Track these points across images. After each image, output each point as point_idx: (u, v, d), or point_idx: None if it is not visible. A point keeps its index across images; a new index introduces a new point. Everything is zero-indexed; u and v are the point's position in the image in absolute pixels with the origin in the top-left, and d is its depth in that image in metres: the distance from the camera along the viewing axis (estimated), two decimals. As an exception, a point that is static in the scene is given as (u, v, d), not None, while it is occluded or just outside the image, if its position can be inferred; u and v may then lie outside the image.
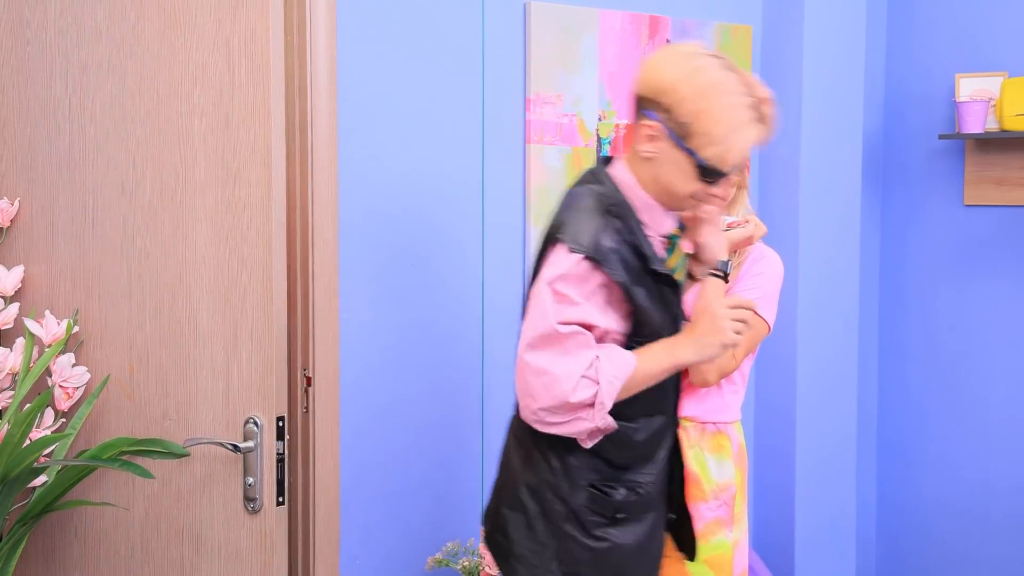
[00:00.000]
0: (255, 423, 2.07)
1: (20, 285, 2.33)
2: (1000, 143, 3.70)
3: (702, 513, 2.51)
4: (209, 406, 2.14)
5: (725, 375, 2.50)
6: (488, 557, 2.98)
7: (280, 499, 2.08)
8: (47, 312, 2.26)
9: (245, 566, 2.10)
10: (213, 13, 2.09)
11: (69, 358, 2.24)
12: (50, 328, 2.23)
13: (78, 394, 2.26)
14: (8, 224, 2.35)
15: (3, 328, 2.30)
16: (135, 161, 2.21)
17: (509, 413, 3.31)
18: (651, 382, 2.16)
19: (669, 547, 2.51)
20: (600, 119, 3.37)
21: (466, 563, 3.01)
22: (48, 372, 2.24)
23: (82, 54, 2.27)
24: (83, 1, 2.26)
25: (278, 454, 2.07)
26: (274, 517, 2.07)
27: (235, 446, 2.06)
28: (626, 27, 3.41)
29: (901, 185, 3.99)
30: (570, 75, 3.30)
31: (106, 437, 2.23)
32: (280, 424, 2.07)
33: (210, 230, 2.12)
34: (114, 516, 2.27)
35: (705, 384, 2.51)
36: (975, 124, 3.61)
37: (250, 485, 2.07)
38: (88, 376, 2.26)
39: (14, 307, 2.29)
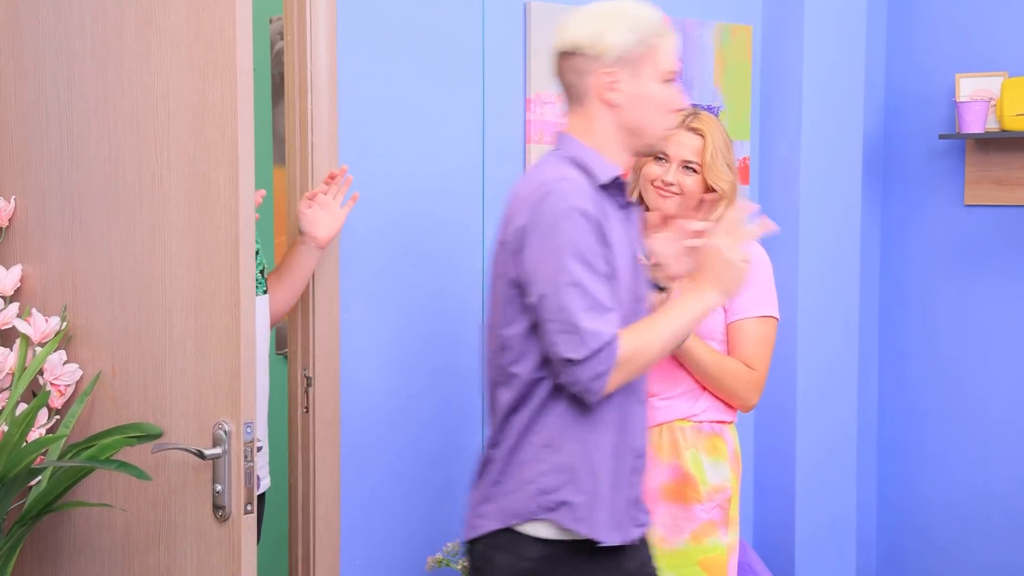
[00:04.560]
0: (224, 429, 1.98)
1: (19, 284, 2.33)
2: (1000, 143, 3.70)
3: (696, 514, 2.50)
4: (182, 411, 2.07)
5: (761, 389, 2.54)
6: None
7: (248, 507, 1.99)
8: (34, 310, 2.25)
9: (215, 575, 2.04)
10: (186, 7, 2.02)
11: (60, 356, 2.23)
12: (38, 326, 2.22)
13: (69, 391, 2.25)
14: (7, 223, 2.35)
15: (3, 328, 2.29)
16: (118, 161, 2.16)
17: (509, 413, 3.31)
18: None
19: (670, 549, 2.51)
20: (600, 119, 3.36)
21: (466, 563, 3.00)
22: (40, 371, 2.23)
23: (70, 51, 2.21)
24: None
25: (246, 461, 1.99)
26: (242, 526, 1.99)
27: (200, 452, 1.98)
28: (626, 27, 3.40)
29: (901, 185, 3.99)
30: (570, 75, 3.29)
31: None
32: (248, 430, 1.99)
33: (183, 232, 2.06)
34: (99, 520, 2.23)
35: (748, 407, 2.56)
36: (975, 124, 3.61)
37: (218, 492, 1.99)
38: (80, 373, 2.24)
39: (13, 307, 2.29)
